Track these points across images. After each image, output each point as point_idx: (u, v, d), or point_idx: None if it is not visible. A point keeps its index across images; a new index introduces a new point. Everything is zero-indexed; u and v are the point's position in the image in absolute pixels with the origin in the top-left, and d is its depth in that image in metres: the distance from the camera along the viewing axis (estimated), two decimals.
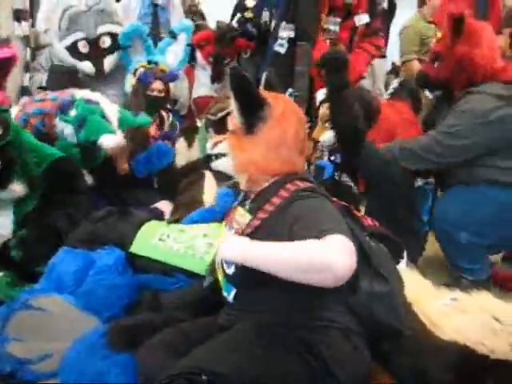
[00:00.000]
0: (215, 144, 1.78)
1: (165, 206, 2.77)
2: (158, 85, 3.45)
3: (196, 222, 2.12)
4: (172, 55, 3.90)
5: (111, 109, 2.89)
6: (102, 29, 3.80)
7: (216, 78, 4.44)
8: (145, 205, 2.76)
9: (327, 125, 3.04)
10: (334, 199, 1.64)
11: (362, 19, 3.99)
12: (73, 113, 2.82)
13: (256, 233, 1.50)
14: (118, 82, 3.80)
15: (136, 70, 3.49)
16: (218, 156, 1.78)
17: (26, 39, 4.21)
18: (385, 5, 7.06)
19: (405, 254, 1.89)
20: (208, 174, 2.63)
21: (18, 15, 4.08)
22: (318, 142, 2.91)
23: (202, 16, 5.52)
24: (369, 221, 1.77)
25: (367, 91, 3.05)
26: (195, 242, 1.96)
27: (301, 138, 1.61)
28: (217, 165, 1.79)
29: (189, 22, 4.25)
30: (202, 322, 1.64)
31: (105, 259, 1.96)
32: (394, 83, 3.48)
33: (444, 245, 2.60)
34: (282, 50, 3.88)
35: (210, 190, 2.58)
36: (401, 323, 1.58)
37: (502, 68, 2.53)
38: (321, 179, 2.63)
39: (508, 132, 2.41)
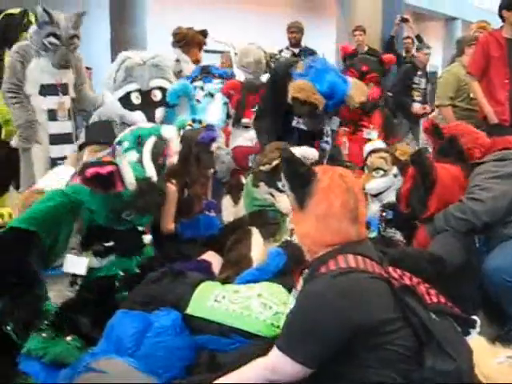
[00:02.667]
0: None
1: (212, 257, 2.79)
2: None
3: (248, 281, 2.17)
4: (211, 114, 4.04)
5: None
6: (154, 82, 3.99)
7: (236, 122, 4.42)
8: (190, 257, 2.78)
9: (374, 173, 3.14)
10: (397, 275, 1.74)
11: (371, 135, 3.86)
12: (125, 144, 2.97)
13: None
14: None
15: (181, 127, 3.60)
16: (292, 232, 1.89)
17: None
18: (415, 51, 7.22)
19: (478, 324, 1.90)
20: (255, 231, 2.69)
21: None
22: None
23: None
24: (433, 297, 1.78)
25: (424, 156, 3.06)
26: (250, 302, 1.99)
27: (350, 208, 1.69)
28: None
29: (221, 84, 4.42)
30: None
31: (162, 320, 1.99)
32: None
33: (500, 297, 2.58)
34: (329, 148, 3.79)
35: (257, 247, 2.64)
36: None
37: (492, 143, 2.85)
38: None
39: None
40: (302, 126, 3.61)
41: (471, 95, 5.09)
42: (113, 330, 2.03)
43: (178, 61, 5.04)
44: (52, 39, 3.71)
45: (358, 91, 3.54)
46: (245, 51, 4.44)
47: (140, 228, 2.61)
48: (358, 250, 1.67)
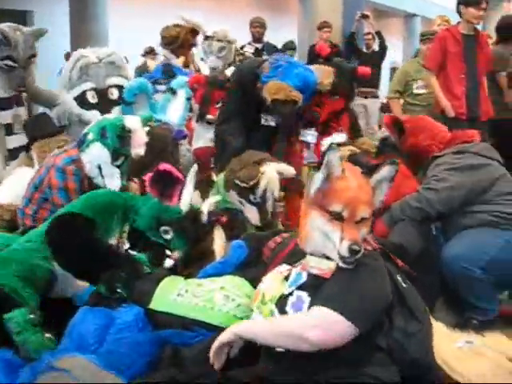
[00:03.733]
0: None
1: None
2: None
3: (211, 275, 2.17)
4: (172, 111, 4.00)
5: None
6: (110, 81, 3.92)
7: (200, 118, 4.37)
8: None
9: None
10: (377, 246, 1.79)
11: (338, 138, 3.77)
12: (90, 136, 2.91)
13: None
14: None
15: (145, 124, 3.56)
16: None
17: None
18: (376, 47, 7.37)
19: None
20: (218, 227, 2.69)
21: None
22: None
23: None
24: (400, 262, 1.85)
25: (360, 156, 3.18)
26: (213, 295, 2.00)
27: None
28: None
29: (186, 78, 4.36)
30: (233, 375, 1.68)
31: (124, 316, 1.97)
32: (377, 142, 3.64)
33: (458, 284, 2.65)
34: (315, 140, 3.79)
35: (220, 242, 2.63)
36: (431, 361, 1.69)
37: (452, 137, 2.93)
38: None
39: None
40: (272, 123, 3.62)
41: (415, 91, 5.31)
42: (74, 327, 1.99)
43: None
44: (8, 62, 3.65)
45: (324, 75, 3.58)
46: (224, 29, 4.43)
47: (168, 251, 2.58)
48: None
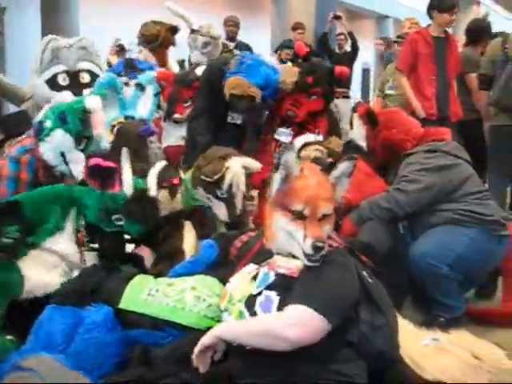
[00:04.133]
0: None
1: (144, 251, 2.74)
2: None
3: (181, 274, 2.16)
4: (142, 107, 3.96)
5: None
6: (82, 65, 3.84)
7: (167, 116, 4.23)
8: None
9: None
10: (341, 242, 1.81)
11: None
12: (48, 123, 2.83)
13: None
14: None
15: (114, 126, 3.52)
16: None
17: None
18: (348, 47, 7.44)
19: None
20: (188, 225, 2.67)
21: None
22: None
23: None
24: (365, 258, 1.88)
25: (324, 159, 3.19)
26: (184, 295, 1.98)
27: None
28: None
29: (154, 73, 4.31)
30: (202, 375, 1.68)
31: (93, 316, 1.95)
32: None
33: (426, 282, 2.69)
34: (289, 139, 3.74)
35: (190, 240, 2.62)
36: (396, 354, 1.72)
37: (424, 134, 2.95)
38: None
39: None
40: (238, 122, 3.64)
41: (386, 92, 5.41)
42: (42, 327, 1.97)
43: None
44: None
45: (288, 74, 3.59)
46: (209, 24, 4.39)
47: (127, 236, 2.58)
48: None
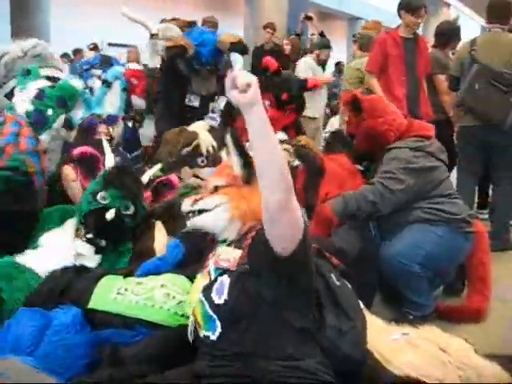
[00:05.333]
0: (195, 201, 1.86)
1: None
2: (102, 128, 3.46)
3: (149, 270, 2.16)
4: (109, 104, 3.95)
5: None
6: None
7: (148, 110, 4.41)
8: None
9: None
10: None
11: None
12: (50, 112, 2.88)
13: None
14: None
15: None
16: (198, 212, 1.85)
17: None
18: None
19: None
20: (158, 224, 2.67)
21: None
22: None
23: None
24: (335, 260, 1.88)
25: (308, 150, 3.18)
26: (153, 293, 1.98)
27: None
28: (195, 221, 1.86)
29: (121, 69, 4.30)
30: (171, 375, 1.66)
31: (61, 318, 1.93)
32: (327, 136, 3.68)
33: (397, 280, 2.73)
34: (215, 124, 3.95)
35: (161, 239, 2.61)
36: (363, 357, 1.72)
37: (408, 127, 2.94)
38: None
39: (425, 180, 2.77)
40: (195, 104, 3.92)
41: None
42: (10, 328, 1.94)
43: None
44: None
45: (226, 36, 3.92)
46: (169, 27, 4.39)
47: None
48: None
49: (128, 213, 2.50)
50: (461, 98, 4.18)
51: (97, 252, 2.48)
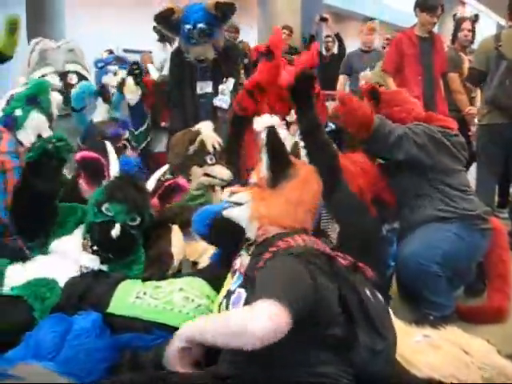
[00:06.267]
0: (233, 192, 1.87)
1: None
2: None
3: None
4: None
5: None
6: (69, 66, 3.91)
7: (153, 125, 4.39)
8: None
9: None
10: (341, 254, 1.75)
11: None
12: (18, 112, 2.84)
13: (250, 278, 1.66)
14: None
15: None
16: (234, 204, 1.86)
17: None
18: (335, 49, 7.46)
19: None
20: (175, 228, 2.67)
21: None
22: None
23: None
24: (369, 272, 1.85)
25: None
26: (172, 296, 1.98)
27: (316, 202, 1.85)
28: (230, 212, 1.87)
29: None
30: (192, 377, 1.66)
31: (81, 323, 1.93)
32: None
33: (416, 281, 2.70)
34: (225, 105, 3.90)
35: (177, 243, 2.62)
36: (392, 371, 1.69)
37: (427, 116, 2.95)
38: None
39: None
40: (208, 90, 3.92)
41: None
42: (31, 335, 1.95)
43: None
44: None
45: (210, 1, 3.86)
46: None
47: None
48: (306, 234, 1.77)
49: (135, 224, 2.40)
50: (492, 95, 4.11)
51: (102, 262, 2.38)
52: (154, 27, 4.33)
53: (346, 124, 2.81)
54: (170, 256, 2.48)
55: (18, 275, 2.25)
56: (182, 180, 2.77)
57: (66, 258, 2.38)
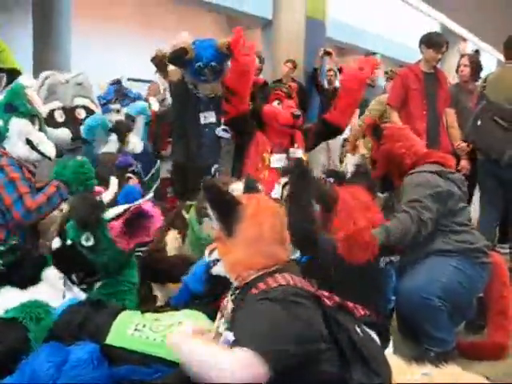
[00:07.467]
0: (211, 251, 1.89)
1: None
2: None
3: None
4: (131, 144, 4.00)
5: None
6: (78, 101, 3.91)
7: (155, 154, 4.51)
8: None
9: None
10: (327, 295, 1.74)
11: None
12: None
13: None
14: None
15: None
16: (215, 262, 1.89)
17: None
18: (337, 83, 7.51)
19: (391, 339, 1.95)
20: (174, 232, 2.73)
21: None
22: None
23: None
24: (360, 310, 1.84)
25: (323, 181, 3.20)
26: (171, 330, 1.96)
27: (278, 230, 1.77)
28: (215, 269, 1.90)
29: (144, 104, 4.38)
30: None
31: (78, 353, 1.92)
32: (351, 166, 3.67)
33: (417, 315, 2.67)
34: (227, 135, 4.00)
35: (173, 246, 2.72)
36: None
37: (426, 154, 2.98)
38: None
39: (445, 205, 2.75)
40: (211, 120, 3.96)
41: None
42: (27, 363, 1.93)
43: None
44: None
45: (221, 41, 3.93)
46: None
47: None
48: (288, 271, 1.73)
49: (88, 244, 2.37)
50: (466, 134, 4.29)
51: (84, 290, 2.43)
52: (152, 59, 4.39)
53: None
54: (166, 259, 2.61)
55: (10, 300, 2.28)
56: (147, 205, 2.47)
57: (54, 287, 2.44)
